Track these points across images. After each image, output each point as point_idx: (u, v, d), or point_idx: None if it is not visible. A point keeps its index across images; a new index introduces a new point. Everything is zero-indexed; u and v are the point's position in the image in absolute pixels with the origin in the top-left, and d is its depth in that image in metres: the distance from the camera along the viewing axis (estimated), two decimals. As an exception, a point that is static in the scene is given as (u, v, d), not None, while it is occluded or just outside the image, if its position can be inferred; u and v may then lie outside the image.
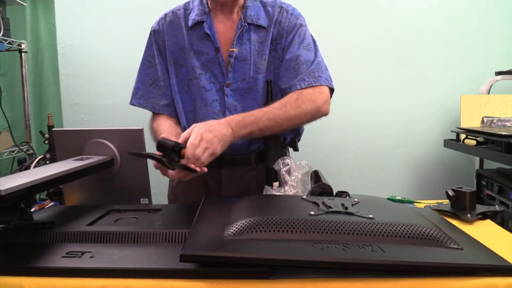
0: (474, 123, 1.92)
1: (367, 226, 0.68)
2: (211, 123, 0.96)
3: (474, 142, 1.75)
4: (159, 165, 0.89)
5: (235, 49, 1.14)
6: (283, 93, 1.14)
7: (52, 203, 1.05)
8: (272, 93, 1.16)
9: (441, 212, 0.92)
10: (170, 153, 0.87)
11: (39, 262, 0.66)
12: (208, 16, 1.15)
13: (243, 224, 0.68)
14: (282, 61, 1.16)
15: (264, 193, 1.03)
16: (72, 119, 2.14)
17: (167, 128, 1.13)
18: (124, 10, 2.10)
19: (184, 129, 1.20)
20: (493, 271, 0.61)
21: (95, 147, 1.03)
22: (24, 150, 2.08)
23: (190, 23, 1.16)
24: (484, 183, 1.69)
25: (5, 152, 2.02)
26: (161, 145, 0.87)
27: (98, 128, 1.06)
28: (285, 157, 1.04)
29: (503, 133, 1.52)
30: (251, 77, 1.15)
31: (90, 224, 0.82)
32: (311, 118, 1.09)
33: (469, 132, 1.77)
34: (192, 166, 0.88)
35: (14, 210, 0.74)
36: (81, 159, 0.97)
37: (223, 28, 1.16)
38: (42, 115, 2.33)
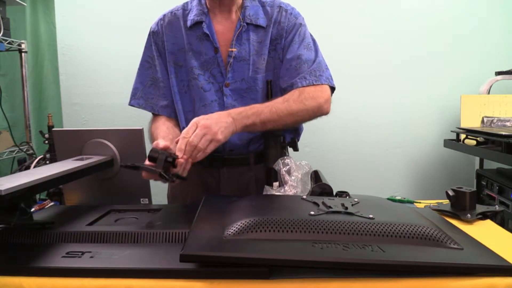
0: (474, 123, 1.92)
1: (367, 226, 0.68)
2: (210, 114, 0.95)
3: (474, 142, 1.75)
4: (148, 173, 0.87)
5: (234, 49, 1.14)
6: (284, 92, 1.14)
7: (52, 203, 1.05)
8: (272, 93, 1.16)
9: (441, 212, 0.92)
10: (163, 164, 0.85)
11: (39, 262, 0.66)
12: (207, 16, 1.15)
13: (243, 224, 0.68)
14: (282, 61, 1.16)
15: (264, 193, 1.03)
16: (72, 119, 2.14)
17: (164, 132, 1.11)
18: (124, 10, 2.10)
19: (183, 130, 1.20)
20: (493, 271, 0.61)
21: (95, 147, 1.03)
22: (24, 150, 2.08)
23: (189, 23, 1.16)
24: (484, 183, 1.69)
25: (5, 152, 2.02)
26: (153, 157, 0.86)
27: (98, 128, 1.06)
28: (285, 157, 1.04)
29: (503, 133, 1.52)
30: (250, 77, 1.15)
31: (90, 224, 0.82)
32: (312, 116, 1.09)
33: (469, 132, 1.77)
34: (182, 160, 0.87)
35: (14, 210, 0.74)
36: (81, 159, 0.97)
37: (222, 28, 1.16)
38: (42, 115, 2.33)
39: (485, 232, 0.81)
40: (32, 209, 0.92)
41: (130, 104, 1.22)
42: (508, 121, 1.83)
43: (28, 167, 1.18)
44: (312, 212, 0.73)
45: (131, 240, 0.74)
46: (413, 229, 0.68)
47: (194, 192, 1.17)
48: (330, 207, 0.77)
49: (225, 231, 0.68)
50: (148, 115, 1.24)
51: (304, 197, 0.87)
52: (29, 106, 2.16)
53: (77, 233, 0.75)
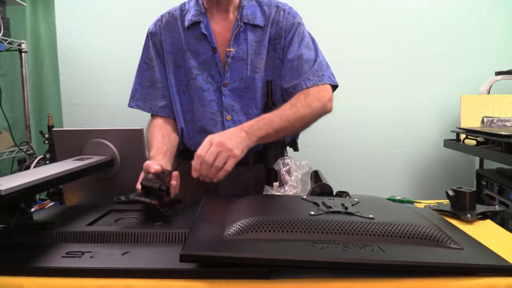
0: (474, 123, 1.92)
1: (367, 226, 0.68)
2: (223, 131, 0.97)
3: (474, 142, 1.75)
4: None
5: (232, 49, 1.14)
6: (286, 92, 1.15)
7: (52, 203, 1.05)
8: (272, 92, 1.16)
9: (441, 212, 0.92)
10: (157, 193, 0.85)
11: (39, 262, 0.66)
12: (205, 16, 1.16)
13: (243, 224, 0.68)
14: (283, 61, 1.16)
15: (264, 193, 1.03)
16: (72, 119, 2.14)
17: (158, 141, 1.10)
18: (124, 10, 2.10)
19: (181, 131, 1.20)
20: (493, 271, 0.61)
21: (95, 147, 1.03)
22: (24, 150, 2.08)
23: (186, 23, 1.16)
24: (484, 183, 1.69)
25: (5, 152, 2.02)
26: (146, 185, 0.85)
27: (98, 128, 1.06)
28: (285, 157, 1.04)
29: (503, 133, 1.52)
30: (249, 76, 1.15)
31: (90, 224, 0.82)
32: (318, 117, 1.10)
33: (469, 132, 1.77)
34: (175, 183, 0.92)
35: (14, 210, 0.74)
36: (81, 159, 0.97)
37: (220, 28, 1.16)
38: (42, 115, 2.33)
39: (485, 232, 0.81)
40: (32, 209, 0.92)
41: (129, 105, 1.22)
42: (508, 121, 1.83)
43: (28, 167, 1.18)
44: (312, 212, 0.73)
45: (131, 240, 0.74)
46: (413, 229, 0.68)
47: (194, 192, 1.17)
48: (330, 207, 0.77)
49: (225, 231, 0.68)
50: (148, 115, 1.24)
51: (304, 197, 0.87)
52: (29, 106, 2.16)
53: (77, 233, 0.75)
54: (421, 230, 0.68)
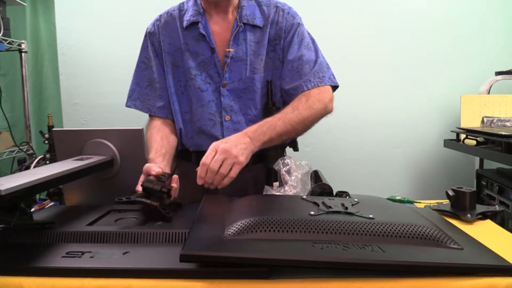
0: (474, 123, 1.92)
1: (367, 226, 0.68)
2: (227, 137, 0.97)
3: (474, 142, 1.75)
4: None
5: (231, 49, 1.14)
6: (286, 94, 1.15)
7: (52, 203, 1.05)
8: (272, 93, 1.16)
9: (441, 212, 0.92)
10: (158, 194, 0.87)
11: (39, 262, 0.66)
12: (203, 16, 1.15)
13: (243, 224, 0.68)
14: (283, 61, 1.16)
15: (264, 193, 1.03)
16: (72, 119, 2.14)
17: (157, 143, 1.11)
18: (124, 10, 2.10)
19: (179, 132, 1.20)
20: (493, 271, 0.61)
21: (95, 147, 1.02)
22: (24, 150, 2.08)
23: (185, 23, 1.16)
24: (484, 183, 1.69)
25: (5, 152, 2.02)
26: (147, 187, 0.86)
27: (98, 128, 1.06)
28: (285, 157, 1.04)
29: (503, 133, 1.52)
30: (248, 77, 1.15)
31: (90, 224, 0.82)
32: (319, 118, 1.10)
33: (469, 132, 1.77)
34: (175, 186, 0.93)
35: (14, 210, 0.74)
36: (81, 159, 0.97)
37: (218, 28, 1.16)
38: (42, 115, 2.33)
39: (485, 232, 0.81)
40: (32, 209, 0.92)
41: (127, 105, 1.23)
42: (508, 121, 1.83)
43: (28, 167, 1.18)
44: (312, 212, 0.73)
45: (131, 240, 0.74)
46: (413, 229, 0.68)
47: (193, 192, 1.17)
48: (330, 207, 0.76)
49: (225, 231, 0.68)
50: (148, 115, 1.24)
51: (304, 197, 0.87)
52: (29, 106, 2.16)
53: (77, 233, 0.75)
54: (421, 230, 0.68)
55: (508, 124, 1.82)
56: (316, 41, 1.20)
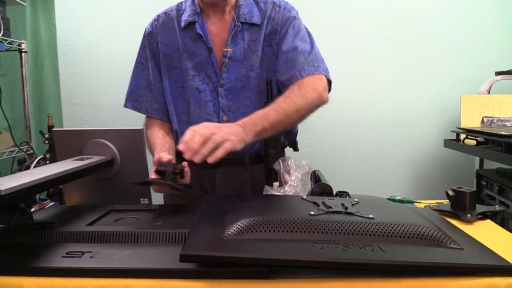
0: (474, 123, 1.91)
1: (367, 226, 0.68)
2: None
3: (474, 142, 1.75)
4: (159, 187, 0.93)
5: (229, 49, 1.13)
6: (283, 85, 1.13)
7: (52, 203, 1.05)
8: (272, 92, 1.16)
9: (441, 212, 0.92)
10: (171, 175, 0.91)
11: (39, 262, 0.66)
12: (200, 16, 1.15)
13: (243, 224, 0.68)
14: (278, 55, 1.14)
15: (264, 193, 1.03)
16: (72, 119, 2.14)
17: (160, 139, 1.13)
18: (124, 10, 2.10)
19: (175, 133, 1.21)
20: (493, 271, 0.61)
21: (95, 147, 1.03)
22: (24, 150, 2.08)
23: (182, 24, 1.15)
24: (484, 183, 1.69)
25: (5, 152, 2.02)
26: (161, 170, 0.91)
27: (98, 128, 1.06)
28: (285, 157, 1.04)
29: (503, 133, 1.52)
30: (244, 75, 1.14)
31: (90, 224, 0.82)
32: (315, 107, 1.06)
33: (469, 132, 1.77)
34: (187, 169, 0.91)
35: (14, 210, 0.74)
36: (81, 159, 0.97)
37: (216, 28, 1.15)
38: (42, 115, 2.33)
39: (485, 232, 0.81)
40: (32, 209, 0.92)
41: (125, 106, 1.24)
42: (508, 121, 1.83)
43: (28, 167, 1.18)
44: (312, 212, 0.73)
45: (131, 240, 0.74)
46: (413, 229, 0.68)
47: (191, 192, 1.17)
48: (330, 207, 0.77)
49: (225, 231, 0.68)
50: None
51: (304, 197, 0.87)
52: (29, 106, 2.15)
53: (77, 233, 0.75)
54: (421, 230, 0.68)
55: (508, 124, 1.82)
56: (312, 35, 1.18)
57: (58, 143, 1.06)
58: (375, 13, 2.12)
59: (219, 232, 0.68)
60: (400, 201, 1.06)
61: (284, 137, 1.18)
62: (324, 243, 0.64)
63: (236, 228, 0.67)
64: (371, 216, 0.72)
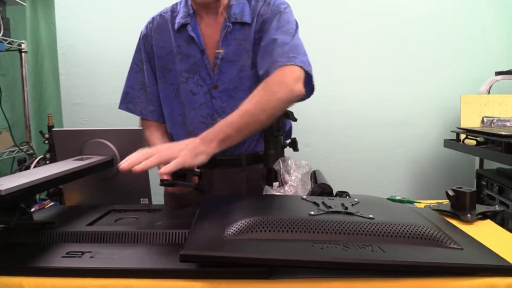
0: (474, 123, 1.92)
1: (367, 226, 0.68)
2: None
3: (474, 142, 1.75)
4: (183, 188, 0.97)
5: (221, 50, 1.12)
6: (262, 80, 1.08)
7: (52, 203, 1.05)
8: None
9: (441, 212, 0.92)
10: (191, 177, 0.95)
11: (39, 262, 0.66)
12: (193, 18, 1.14)
13: (243, 224, 0.68)
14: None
15: (264, 193, 1.03)
16: (72, 119, 2.14)
17: (159, 140, 1.17)
18: (124, 10, 2.10)
19: (170, 136, 1.22)
20: (493, 271, 0.61)
21: (95, 147, 1.02)
22: (24, 150, 2.08)
23: (176, 26, 1.15)
24: (484, 183, 1.69)
25: (5, 152, 2.02)
26: (180, 173, 0.93)
27: (98, 128, 1.06)
28: (285, 157, 1.04)
29: (503, 133, 1.52)
30: (237, 76, 1.13)
31: (90, 224, 0.82)
32: (286, 102, 0.99)
33: (469, 132, 1.78)
34: None
35: (14, 210, 0.74)
36: (81, 159, 0.97)
37: (209, 30, 1.14)
38: (42, 115, 2.33)
39: (485, 232, 0.81)
40: (32, 209, 0.92)
41: (120, 107, 1.25)
42: (508, 121, 1.83)
43: (28, 167, 1.18)
44: (312, 212, 0.73)
45: (131, 240, 0.74)
46: (413, 229, 0.68)
47: (189, 192, 1.18)
48: (330, 207, 0.76)
49: (225, 231, 0.67)
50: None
51: (304, 197, 0.87)
52: (29, 106, 2.15)
53: (77, 233, 0.75)
54: (421, 230, 0.68)
55: (508, 124, 1.82)
56: (298, 27, 1.12)
57: (58, 143, 1.06)
58: (375, 13, 2.12)
59: (219, 232, 0.68)
60: (400, 201, 1.06)
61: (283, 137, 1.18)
62: (324, 243, 0.64)
63: (236, 228, 0.67)
64: (371, 216, 0.72)
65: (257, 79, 1.13)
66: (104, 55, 2.12)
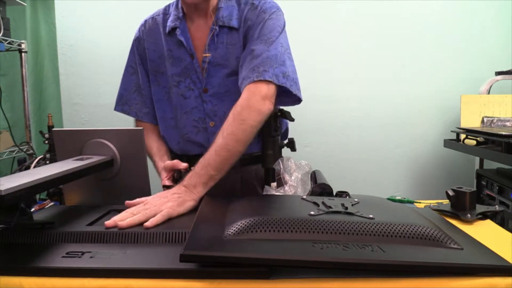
0: (474, 123, 1.92)
1: (367, 226, 0.68)
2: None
3: (474, 142, 1.75)
4: None
5: (208, 54, 1.11)
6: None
7: (52, 203, 1.05)
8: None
9: (441, 212, 0.92)
10: None
11: (39, 262, 0.66)
12: (182, 21, 1.13)
13: (243, 224, 0.68)
14: None
15: (264, 193, 1.03)
16: (72, 119, 2.14)
17: (156, 142, 1.19)
18: (124, 10, 2.10)
19: (163, 138, 1.23)
20: (493, 271, 0.61)
21: (95, 147, 1.02)
22: (24, 150, 2.08)
23: (167, 29, 1.14)
24: (484, 183, 1.69)
25: (5, 152, 2.02)
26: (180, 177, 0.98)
27: (98, 128, 1.06)
28: (285, 157, 1.04)
29: (503, 133, 1.52)
30: (227, 80, 1.12)
31: (90, 224, 0.82)
32: (258, 125, 1.00)
33: (469, 132, 1.78)
34: None
35: (14, 210, 0.74)
36: (81, 159, 0.97)
37: (198, 33, 1.13)
38: (42, 115, 2.33)
39: (485, 232, 0.81)
40: (32, 209, 0.92)
41: (115, 109, 1.26)
42: (508, 121, 1.83)
43: (28, 167, 1.18)
44: (312, 212, 0.73)
45: (131, 240, 0.74)
46: (413, 229, 0.68)
47: None
48: (330, 207, 0.77)
49: (225, 231, 0.68)
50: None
51: (304, 197, 0.87)
52: (29, 106, 2.15)
53: (77, 233, 0.75)
54: (421, 230, 0.68)
55: (508, 124, 1.82)
56: (286, 37, 1.10)
57: (58, 143, 1.06)
58: (375, 13, 2.12)
59: (219, 232, 0.68)
60: (400, 201, 1.06)
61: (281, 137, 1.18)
62: (324, 243, 0.64)
63: (236, 228, 0.67)
64: (371, 216, 0.72)
65: None
66: (104, 55, 2.12)
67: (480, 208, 0.90)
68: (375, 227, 0.68)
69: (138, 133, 1.01)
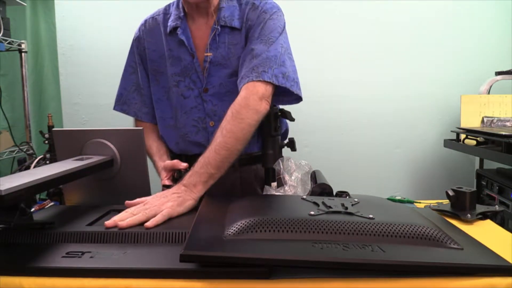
0: (474, 123, 1.92)
1: (367, 226, 0.68)
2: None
3: (474, 142, 1.75)
4: None
5: (209, 54, 1.11)
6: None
7: (52, 203, 1.05)
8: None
9: (441, 212, 0.92)
10: None
11: (39, 262, 0.66)
12: (183, 20, 1.13)
13: (243, 224, 0.68)
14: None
15: (264, 193, 1.03)
16: (72, 119, 2.14)
17: (156, 142, 1.19)
18: (124, 10, 2.10)
19: (162, 137, 1.23)
20: (493, 271, 0.61)
21: (95, 147, 1.02)
22: (24, 150, 2.08)
23: (168, 29, 1.14)
24: (484, 183, 1.69)
25: (5, 152, 2.02)
26: (179, 176, 0.98)
27: (98, 128, 1.06)
28: (285, 157, 1.04)
29: (503, 133, 1.52)
30: (228, 80, 1.12)
31: (90, 224, 0.82)
32: (255, 124, 1.01)
33: (469, 132, 1.78)
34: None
35: (14, 210, 0.74)
36: (81, 159, 0.97)
37: (200, 32, 1.13)
38: (42, 115, 2.33)
39: (485, 232, 0.81)
40: (32, 209, 0.92)
41: (115, 109, 1.27)
42: (508, 121, 1.83)
43: (28, 167, 1.18)
44: (312, 212, 0.73)
45: (131, 240, 0.74)
46: (413, 229, 0.68)
47: None
48: (330, 207, 0.77)
49: (225, 231, 0.68)
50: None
51: (304, 197, 0.87)
52: (29, 106, 2.16)
53: (77, 233, 0.75)
54: (421, 230, 0.68)
55: (508, 124, 1.82)
56: (286, 38, 1.10)
57: (58, 143, 1.06)
58: (375, 13, 2.12)
59: (219, 232, 0.68)
60: (400, 201, 1.06)
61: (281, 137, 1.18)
62: (324, 243, 0.64)
63: (236, 228, 0.67)
64: (371, 216, 0.72)
65: None
66: (104, 55, 2.11)
67: (480, 208, 0.90)
68: (375, 227, 0.68)
69: (138, 133, 1.01)
